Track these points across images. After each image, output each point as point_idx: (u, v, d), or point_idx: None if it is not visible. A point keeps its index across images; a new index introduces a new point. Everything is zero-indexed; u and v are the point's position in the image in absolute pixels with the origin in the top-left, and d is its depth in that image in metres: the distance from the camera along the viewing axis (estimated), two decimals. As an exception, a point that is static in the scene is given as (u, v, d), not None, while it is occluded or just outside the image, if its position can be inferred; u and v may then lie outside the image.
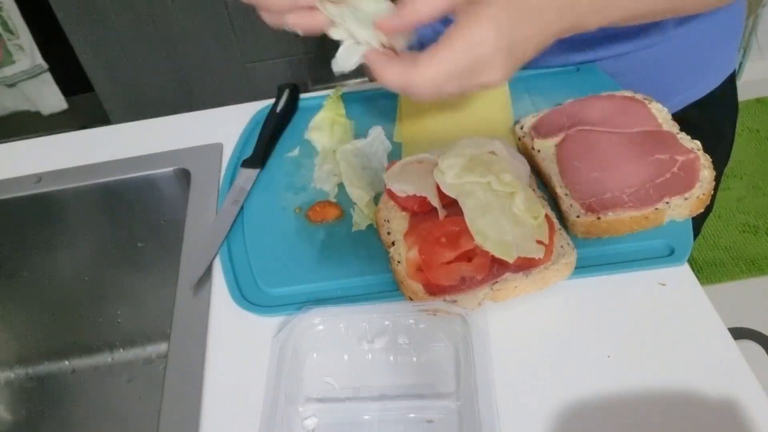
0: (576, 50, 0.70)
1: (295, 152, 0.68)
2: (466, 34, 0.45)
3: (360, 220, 0.59)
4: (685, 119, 0.63)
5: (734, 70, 0.78)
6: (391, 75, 0.48)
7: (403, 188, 0.53)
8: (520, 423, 0.45)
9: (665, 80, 0.72)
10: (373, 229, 0.58)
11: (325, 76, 1.54)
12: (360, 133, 0.68)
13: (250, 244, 0.59)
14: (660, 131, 0.59)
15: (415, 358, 0.51)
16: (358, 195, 0.60)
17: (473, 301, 0.50)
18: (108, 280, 0.78)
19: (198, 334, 0.54)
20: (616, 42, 0.68)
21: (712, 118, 0.77)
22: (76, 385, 0.82)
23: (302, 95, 0.75)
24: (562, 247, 0.52)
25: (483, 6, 0.45)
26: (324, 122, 0.67)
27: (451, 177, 0.52)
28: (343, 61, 0.52)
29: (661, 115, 0.61)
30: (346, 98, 0.72)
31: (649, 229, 0.54)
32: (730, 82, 0.77)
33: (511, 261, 0.49)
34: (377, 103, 0.72)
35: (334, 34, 0.52)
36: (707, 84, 0.75)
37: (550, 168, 0.58)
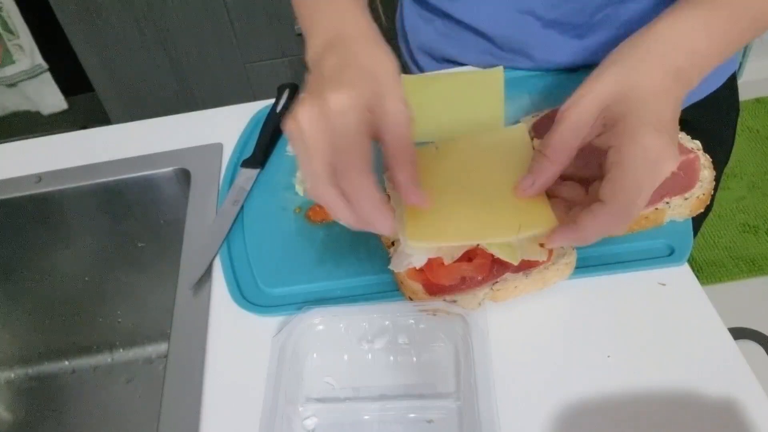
0: (576, 56, 0.70)
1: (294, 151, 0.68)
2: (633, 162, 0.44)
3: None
4: (685, 119, 0.62)
5: (735, 71, 0.78)
6: (599, 228, 0.46)
7: None
8: (520, 423, 0.45)
9: None
10: (373, 229, 0.58)
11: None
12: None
13: (250, 244, 0.59)
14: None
15: (415, 358, 0.51)
16: None
17: (473, 301, 0.50)
18: (108, 280, 0.78)
19: (198, 334, 0.54)
20: (617, 42, 0.68)
21: (712, 119, 0.77)
22: (76, 385, 0.82)
23: (302, 95, 0.74)
24: (562, 247, 0.52)
25: (629, 121, 0.44)
26: None
27: None
28: (397, 263, 0.50)
29: (661, 115, 0.61)
30: None
31: (649, 229, 0.54)
32: (731, 83, 0.77)
33: (515, 263, 0.49)
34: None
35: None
36: (708, 85, 0.75)
37: (550, 168, 0.58)
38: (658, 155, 0.43)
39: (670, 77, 0.46)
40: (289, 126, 0.44)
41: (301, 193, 0.62)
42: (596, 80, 0.46)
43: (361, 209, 0.44)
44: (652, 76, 0.45)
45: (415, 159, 0.47)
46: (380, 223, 0.44)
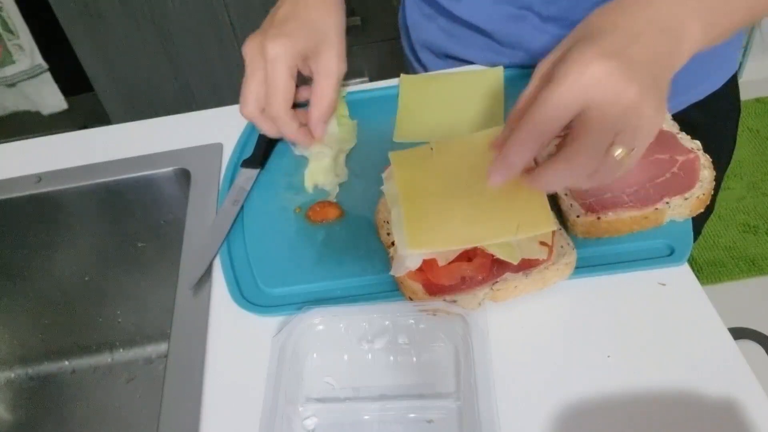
0: None
1: (299, 152, 0.68)
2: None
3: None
4: (686, 119, 0.63)
5: (736, 71, 0.78)
6: (563, 172, 0.43)
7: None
8: (520, 423, 0.45)
9: None
10: (373, 229, 0.58)
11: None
12: (362, 133, 0.68)
13: (250, 244, 0.59)
14: (660, 131, 0.59)
15: (415, 358, 0.51)
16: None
17: (473, 301, 0.50)
18: (108, 280, 0.78)
19: (198, 334, 0.54)
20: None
21: (713, 119, 0.77)
22: (76, 385, 0.82)
23: (302, 95, 0.75)
24: (562, 247, 0.52)
25: (577, 47, 0.41)
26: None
27: None
28: (397, 268, 0.51)
29: (661, 115, 0.61)
30: (345, 101, 0.72)
31: (649, 229, 0.54)
32: (732, 83, 0.77)
33: (515, 263, 0.49)
34: (377, 104, 0.72)
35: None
36: (709, 85, 0.75)
37: (550, 168, 0.58)
38: (600, 76, 0.39)
39: (652, 26, 0.42)
40: (243, 50, 0.59)
41: (307, 185, 0.64)
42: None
43: (282, 131, 0.61)
44: (639, 17, 0.42)
45: (333, 104, 0.61)
46: (298, 141, 0.62)
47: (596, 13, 0.44)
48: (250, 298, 0.55)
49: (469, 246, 0.49)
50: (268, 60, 0.57)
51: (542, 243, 0.50)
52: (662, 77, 0.42)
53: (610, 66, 0.39)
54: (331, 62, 0.60)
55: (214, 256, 0.59)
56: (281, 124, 0.60)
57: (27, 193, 0.70)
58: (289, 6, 0.61)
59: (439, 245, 0.49)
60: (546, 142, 0.42)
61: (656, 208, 0.53)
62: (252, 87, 0.59)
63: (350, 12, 1.50)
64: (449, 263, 0.50)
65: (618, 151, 0.41)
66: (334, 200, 0.62)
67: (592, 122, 0.40)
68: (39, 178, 0.71)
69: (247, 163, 0.67)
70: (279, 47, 0.57)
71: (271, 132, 0.62)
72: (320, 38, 0.60)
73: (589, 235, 0.54)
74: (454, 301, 0.50)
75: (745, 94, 0.84)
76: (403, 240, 0.49)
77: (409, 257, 0.49)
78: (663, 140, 0.58)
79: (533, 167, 0.45)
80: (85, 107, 1.74)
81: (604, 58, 0.39)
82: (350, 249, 0.57)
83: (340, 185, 0.63)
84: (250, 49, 0.59)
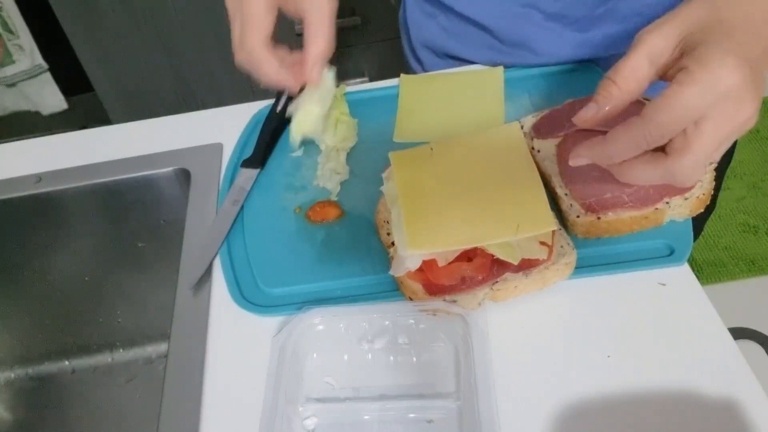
0: (578, 49, 0.70)
1: (299, 152, 0.68)
2: (707, 85, 0.37)
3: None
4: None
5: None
6: (648, 173, 0.42)
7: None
8: (520, 423, 0.45)
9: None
10: (373, 229, 0.58)
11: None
12: (362, 133, 0.68)
13: (250, 244, 0.59)
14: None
15: (415, 358, 0.51)
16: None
17: (473, 301, 0.50)
18: (108, 280, 0.78)
19: (198, 334, 0.54)
20: (617, 42, 0.68)
21: None
22: (76, 385, 0.82)
23: (302, 95, 0.75)
24: (562, 247, 0.52)
25: (708, 47, 0.38)
26: (328, 121, 0.67)
27: None
28: (397, 268, 0.51)
29: (661, 115, 0.61)
30: (346, 101, 0.72)
31: (649, 229, 0.54)
32: None
33: (515, 263, 0.49)
34: (377, 104, 0.72)
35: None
36: None
37: (550, 168, 0.58)
38: (730, 89, 0.36)
39: (764, 20, 0.40)
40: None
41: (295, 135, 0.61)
42: (683, 7, 0.41)
43: (265, 77, 0.55)
44: (745, 12, 0.40)
45: (331, 41, 0.54)
46: (284, 84, 0.56)
47: (711, 6, 0.41)
48: (250, 298, 0.55)
49: (469, 246, 0.49)
50: None
51: (542, 243, 0.50)
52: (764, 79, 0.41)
53: (744, 78, 0.37)
54: (322, 5, 0.53)
55: (214, 256, 0.59)
56: (257, 60, 0.54)
57: (27, 193, 0.70)
58: None
59: (439, 246, 0.49)
60: (657, 144, 0.40)
61: (656, 208, 0.53)
62: (236, 31, 0.54)
63: (350, 12, 1.50)
64: (449, 263, 0.50)
65: (710, 161, 0.40)
66: (336, 199, 0.62)
67: (705, 136, 0.38)
68: (39, 178, 0.71)
69: (247, 163, 0.67)
70: None
71: (263, 80, 0.56)
72: None
73: (589, 235, 0.54)
74: (454, 301, 0.50)
75: (745, 94, 0.84)
76: (403, 240, 0.49)
77: (408, 257, 0.49)
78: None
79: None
80: (85, 107, 1.74)
81: (739, 67, 0.37)
82: (350, 249, 0.57)
83: (341, 184, 0.63)
84: None
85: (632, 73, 0.42)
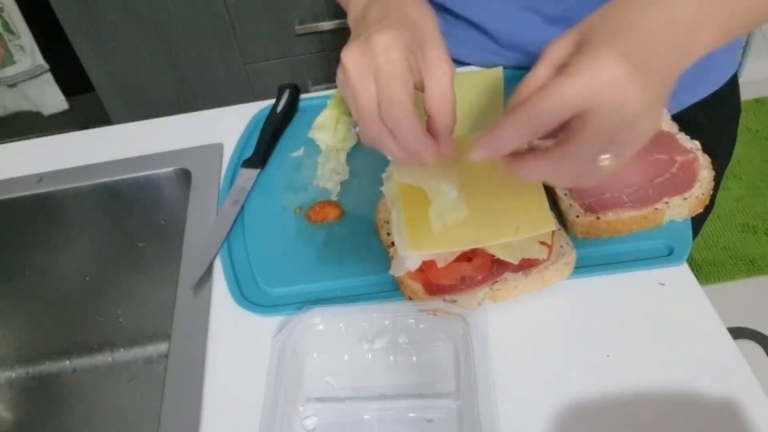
0: None
1: (299, 152, 0.68)
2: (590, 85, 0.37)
3: None
4: (686, 120, 0.63)
5: (736, 71, 0.78)
6: (537, 166, 0.41)
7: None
8: (520, 423, 0.45)
9: None
10: (373, 229, 0.58)
11: (325, 76, 1.55)
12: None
13: (251, 244, 0.59)
14: (659, 131, 0.59)
15: (415, 358, 0.51)
16: None
17: (473, 301, 0.51)
18: (109, 279, 0.79)
19: (198, 334, 0.54)
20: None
21: (714, 119, 0.76)
22: (76, 384, 0.82)
23: (302, 95, 0.75)
24: (561, 247, 0.52)
25: (592, 44, 0.39)
26: (328, 121, 0.67)
27: None
28: (396, 268, 0.51)
29: (661, 116, 0.61)
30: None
31: (649, 229, 0.55)
32: (733, 83, 0.77)
33: (515, 262, 0.49)
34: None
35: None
36: (710, 85, 0.75)
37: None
38: (609, 82, 0.37)
39: (671, 29, 0.40)
40: (338, 74, 0.46)
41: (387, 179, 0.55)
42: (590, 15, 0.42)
43: (405, 140, 0.45)
44: (651, 17, 0.40)
45: (455, 109, 0.48)
46: (424, 151, 0.46)
47: (615, 5, 0.42)
48: (250, 298, 0.55)
49: (469, 248, 0.49)
50: (380, 52, 0.44)
51: (542, 243, 0.50)
52: (670, 84, 0.41)
53: (627, 72, 0.37)
54: (442, 58, 0.47)
55: (215, 256, 0.59)
56: (402, 117, 0.45)
57: (28, 193, 0.70)
58: (378, 9, 0.50)
59: (439, 247, 0.49)
60: (539, 133, 0.41)
61: (655, 208, 0.53)
62: (366, 97, 0.45)
63: (350, 12, 1.50)
64: (449, 263, 0.50)
65: (606, 160, 0.40)
66: (336, 199, 0.62)
67: (589, 128, 0.39)
68: (40, 178, 0.71)
69: (248, 163, 0.67)
70: (388, 37, 0.45)
71: (398, 154, 0.47)
72: (423, 34, 0.48)
73: (588, 235, 0.54)
74: (454, 301, 0.50)
75: (745, 94, 0.84)
76: (403, 241, 0.49)
77: (408, 258, 0.49)
78: (662, 140, 0.58)
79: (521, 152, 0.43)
80: (86, 107, 1.74)
81: (623, 62, 0.37)
82: (350, 249, 0.57)
83: (341, 184, 0.63)
84: (350, 57, 0.45)
85: (535, 82, 0.42)
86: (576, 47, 0.41)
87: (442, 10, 0.74)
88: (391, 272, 0.51)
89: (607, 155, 0.40)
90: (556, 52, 0.42)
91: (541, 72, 0.42)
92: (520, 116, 0.40)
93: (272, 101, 0.73)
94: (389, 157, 0.48)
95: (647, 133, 0.40)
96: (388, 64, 0.45)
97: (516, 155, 0.43)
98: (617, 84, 0.37)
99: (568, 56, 0.41)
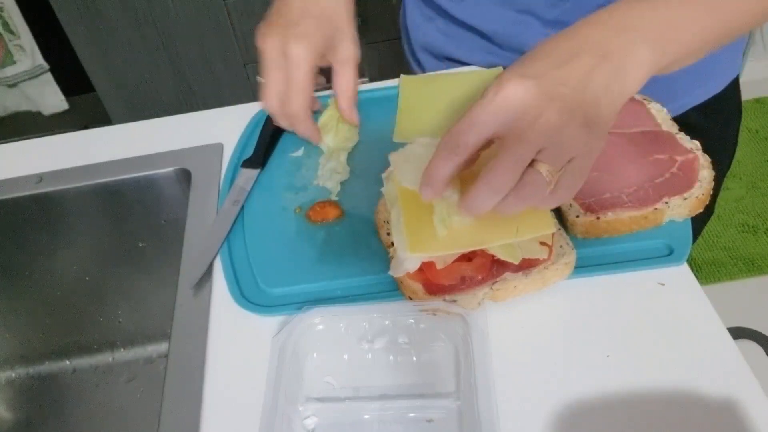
0: None
1: (299, 152, 0.68)
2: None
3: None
4: (688, 122, 0.63)
5: (738, 74, 0.78)
6: (487, 194, 0.43)
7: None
8: (520, 422, 0.45)
9: (668, 83, 0.72)
10: (373, 229, 0.58)
11: (325, 76, 1.55)
12: (362, 133, 0.68)
13: (251, 244, 0.59)
14: (659, 131, 0.59)
15: (415, 358, 0.51)
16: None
17: (473, 301, 0.51)
18: (109, 279, 0.79)
19: (198, 334, 0.54)
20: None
21: (715, 121, 0.76)
22: (76, 384, 0.82)
23: (302, 95, 0.75)
24: (561, 247, 0.52)
25: (504, 73, 0.42)
26: (330, 121, 0.68)
27: None
28: (395, 269, 0.51)
29: (660, 115, 0.61)
30: None
31: (649, 229, 0.55)
32: (734, 86, 0.77)
33: (516, 262, 0.49)
34: (377, 104, 0.72)
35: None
36: (711, 87, 0.75)
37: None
38: (511, 97, 0.40)
39: (592, 51, 0.42)
40: (259, 44, 0.60)
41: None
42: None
43: (297, 129, 0.65)
44: (565, 43, 0.43)
45: (356, 89, 0.66)
46: (302, 132, 0.66)
47: (543, 40, 0.45)
48: (250, 298, 0.55)
49: (468, 250, 0.49)
50: (291, 62, 0.59)
51: (542, 243, 0.50)
52: (596, 99, 0.42)
53: (526, 86, 0.40)
54: (347, 51, 0.64)
55: (215, 256, 0.59)
56: (298, 122, 0.64)
57: (28, 193, 0.70)
58: (299, 2, 0.62)
59: (438, 249, 0.49)
60: (463, 156, 0.43)
61: (655, 208, 0.53)
62: (273, 84, 0.61)
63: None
64: (448, 264, 0.50)
65: (543, 169, 0.41)
66: (335, 199, 0.62)
67: (508, 140, 0.41)
68: (40, 178, 0.71)
69: (248, 163, 0.67)
70: (301, 49, 0.59)
71: (286, 126, 0.66)
72: (334, 30, 0.62)
73: (588, 235, 0.54)
74: (454, 301, 0.50)
75: (745, 94, 0.84)
76: (403, 243, 0.49)
77: (407, 260, 0.49)
78: (662, 140, 0.58)
79: None
80: (86, 107, 1.74)
81: (521, 79, 0.40)
82: (350, 249, 0.57)
83: (341, 184, 0.63)
84: (270, 47, 0.60)
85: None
86: None
87: (442, 12, 0.75)
88: (390, 273, 0.51)
89: (544, 165, 0.41)
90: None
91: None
92: (441, 144, 0.43)
93: (272, 101, 0.73)
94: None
95: (582, 142, 0.41)
96: (297, 75, 0.60)
97: (461, 201, 0.45)
98: (519, 97, 0.40)
99: None
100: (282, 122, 0.65)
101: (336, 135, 0.67)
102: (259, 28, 0.62)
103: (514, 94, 0.40)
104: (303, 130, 0.65)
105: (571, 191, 0.43)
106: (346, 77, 0.64)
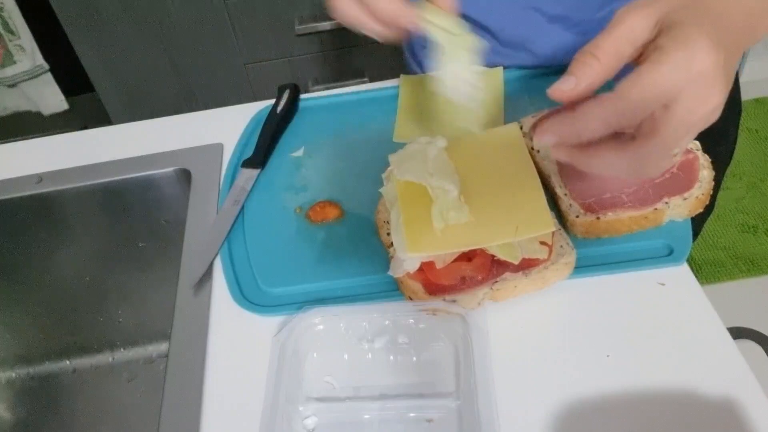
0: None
1: (299, 152, 0.68)
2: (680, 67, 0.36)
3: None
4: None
5: (737, 73, 0.78)
6: (615, 160, 0.39)
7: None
8: (520, 422, 0.45)
9: None
10: (373, 229, 0.58)
11: (325, 77, 1.55)
12: (362, 133, 0.68)
13: (251, 244, 0.59)
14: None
15: (415, 358, 0.51)
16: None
17: (473, 301, 0.51)
18: (109, 279, 0.79)
19: (198, 334, 0.54)
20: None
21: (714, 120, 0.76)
22: (76, 384, 0.82)
23: (302, 95, 0.75)
24: (561, 247, 0.52)
25: (684, 28, 0.37)
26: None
27: None
28: (395, 269, 0.50)
29: (661, 116, 0.61)
30: (346, 102, 0.73)
31: (649, 229, 0.55)
32: (734, 83, 0.77)
33: (516, 262, 0.49)
34: (377, 104, 0.72)
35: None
36: None
37: (550, 168, 0.58)
38: (702, 71, 0.36)
39: (742, 16, 0.40)
40: None
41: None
42: None
43: (381, 12, 0.48)
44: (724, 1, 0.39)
45: None
46: (402, 20, 0.49)
47: None
48: (250, 298, 0.55)
49: (467, 249, 0.49)
50: None
51: (542, 242, 0.50)
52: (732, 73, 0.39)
53: (718, 61, 0.36)
54: None
55: (215, 256, 0.59)
56: (395, 17, 0.49)
57: (28, 193, 0.70)
58: None
59: (438, 249, 0.49)
60: (624, 124, 0.38)
61: (655, 208, 0.53)
62: None
63: (350, 12, 1.50)
64: (448, 264, 0.50)
65: (677, 151, 0.39)
66: (336, 201, 0.62)
67: (674, 120, 0.37)
68: (40, 178, 0.71)
69: (248, 163, 0.67)
70: None
71: (374, 29, 0.50)
72: None
73: (588, 235, 0.55)
74: (454, 301, 0.50)
75: (745, 94, 0.84)
76: (402, 243, 0.49)
77: (407, 260, 0.49)
78: (662, 140, 0.58)
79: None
80: (86, 108, 1.74)
81: (715, 50, 0.36)
82: (350, 249, 0.57)
83: (341, 184, 0.63)
84: None
85: (613, 49, 0.40)
86: (658, 25, 0.39)
87: None
88: (390, 273, 0.51)
89: (678, 148, 0.39)
90: (634, 26, 0.40)
91: (619, 41, 0.40)
92: (612, 104, 0.38)
93: (272, 101, 0.73)
94: (370, 34, 0.50)
95: (708, 124, 0.39)
96: None
97: (586, 147, 0.41)
98: (711, 72, 0.36)
99: (649, 37, 0.39)
100: (365, 23, 0.50)
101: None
102: None
103: (709, 67, 0.36)
104: (387, 10, 0.49)
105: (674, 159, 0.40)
106: None
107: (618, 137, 0.40)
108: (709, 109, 0.37)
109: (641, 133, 0.39)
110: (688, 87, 0.36)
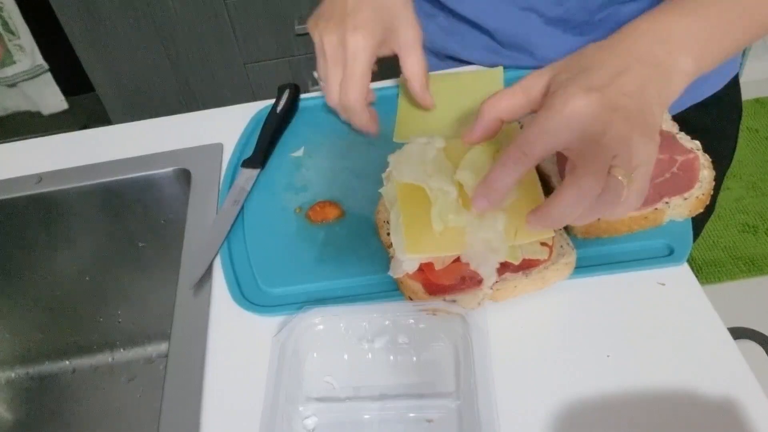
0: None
1: (299, 152, 0.68)
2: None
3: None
4: (687, 120, 0.63)
5: (737, 72, 0.78)
6: (587, 201, 0.42)
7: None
8: (520, 422, 0.45)
9: None
10: (373, 229, 0.58)
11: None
12: (362, 133, 0.68)
13: (251, 244, 0.59)
14: (659, 131, 0.59)
15: (414, 358, 0.51)
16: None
17: (473, 301, 0.51)
18: (108, 280, 0.79)
19: (198, 334, 0.54)
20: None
21: (715, 119, 0.76)
22: (76, 384, 0.82)
23: (302, 95, 0.75)
24: (561, 247, 0.52)
25: (561, 84, 0.44)
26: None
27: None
28: (395, 269, 0.51)
29: (661, 116, 0.61)
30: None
31: (649, 229, 0.55)
32: (734, 84, 0.77)
33: (516, 263, 0.49)
34: (377, 104, 0.72)
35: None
36: (711, 86, 0.75)
37: (550, 168, 0.58)
38: (580, 113, 0.41)
39: (641, 62, 0.44)
40: (315, 39, 0.61)
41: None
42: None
43: (353, 119, 0.64)
44: (614, 55, 0.45)
45: (427, 71, 0.65)
46: (358, 124, 0.64)
47: (587, 49, 0.47)
48: (250, 298, 0.55)
49: (466, 251, 0.49)
50: (349, 54, 0.59)
51: (543, 243, 0.50)
52: (651, 108, 0.44)
53: (591, 98, 0.41)
54: (410, 34, 0.62)
55: (215, 256, 0.59)
56: (354, 114, 0.63)
57: (27, 193, 0.70)
58: None
59: (437, 250, 0.49)
60: (527, 166, 0.43)
61: (656, 208, 0.53)
62: (334, 78, 0.61)
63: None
64: (448, 264, 0.50)
65: (620, 173, 0.42)
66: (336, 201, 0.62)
67: (585, 150, 0.42)
68: (39, 178, 0.71)
69: (248, 163, 0.67)
70: (360, 40, 0.58)
71: (344, 118, 0.65)
72: (392, 16, 0.61)
73: (588, 235, 0.54)
74: (454, 301, 0.50)
75: (745, 94, 0.84)
76: (402, 244, 0.49)
77: (406, 261, 0.49)
78: (662, 140, 0.58)
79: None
80: (86, 107, 1.74)
81: (587, 91, 0.41)
82: (350, 249, 0.57)
83: (341, 184, 0.63)
84: (327, 40, 0.60)
85: (506, 96, 0.48)
86: (548, 84, 0.45)
87: (443, 8, 0.74)
88: (389, 273, 0.51)
89: (620, 170, 0.42)
90: (528, 80, 0.47)
91: (513, 90, 0.48)
92: (510, 156, 0.43)
93: (272, 101, 0.73)
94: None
95: (645, 148, 0.42)
96: (354, 67, 0.59)
97: (533, 212, 0.45)
98: (586, 110, 0.41)
99: (540, 92, 0.46)
100: (341, 115, 0.64)
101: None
102: (311, 20, 0.62)
103: (582, 106, 0.41)
104: (359, 121, 0.64)
105: (641, 196, 0.44)
106: (413, 60, 0.63)
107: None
108: (610, 136, 0.41)
109: (569, 170, 0.43)
110: (575, 125, 0.41)
